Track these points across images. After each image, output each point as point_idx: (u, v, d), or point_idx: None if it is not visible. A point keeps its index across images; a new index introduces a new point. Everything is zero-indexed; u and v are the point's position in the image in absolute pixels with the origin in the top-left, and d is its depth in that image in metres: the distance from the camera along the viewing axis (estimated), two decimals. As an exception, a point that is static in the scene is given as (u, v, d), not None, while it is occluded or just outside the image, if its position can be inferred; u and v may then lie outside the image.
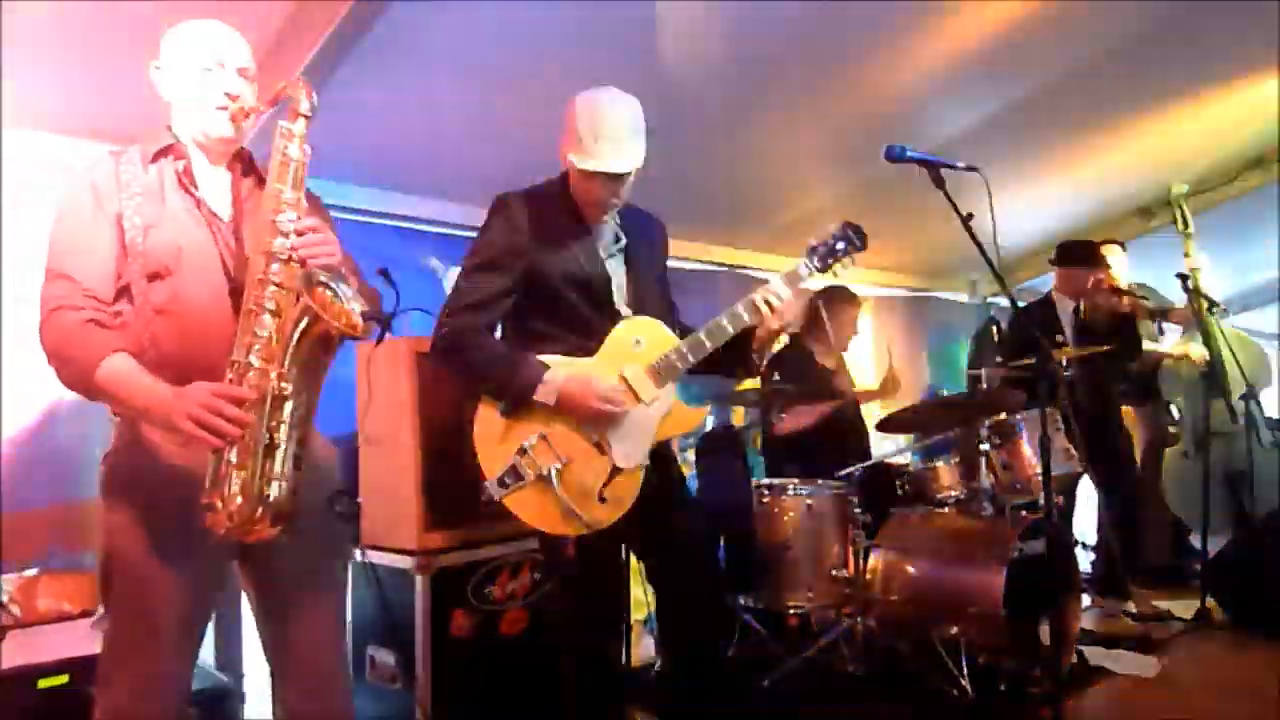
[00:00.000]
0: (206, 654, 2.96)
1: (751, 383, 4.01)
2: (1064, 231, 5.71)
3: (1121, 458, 4.62)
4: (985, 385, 3.85)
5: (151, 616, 1.69)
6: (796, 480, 3.64)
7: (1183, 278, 4.51)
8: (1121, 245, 5.01)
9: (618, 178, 2.17)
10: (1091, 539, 5.01)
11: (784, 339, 3.66)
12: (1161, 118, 4.65)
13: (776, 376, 3.79)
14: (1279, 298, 7.23)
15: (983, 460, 3.63)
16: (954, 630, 3.19)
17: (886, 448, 4.61)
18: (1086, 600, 4.24)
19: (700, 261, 4.90)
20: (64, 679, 2.35)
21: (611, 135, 2.13)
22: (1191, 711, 2.84)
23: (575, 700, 2.25)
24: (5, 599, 2.67)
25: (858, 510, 3.53)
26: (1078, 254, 4.64)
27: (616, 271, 2.29)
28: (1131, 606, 4.26)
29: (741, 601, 3.67)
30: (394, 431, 2.88)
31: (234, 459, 1.62)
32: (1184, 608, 4.18)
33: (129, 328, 1.71)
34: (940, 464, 3.74)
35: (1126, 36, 3.72)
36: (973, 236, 2.37)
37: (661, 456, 2.28)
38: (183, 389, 1.61)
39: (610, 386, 2.15)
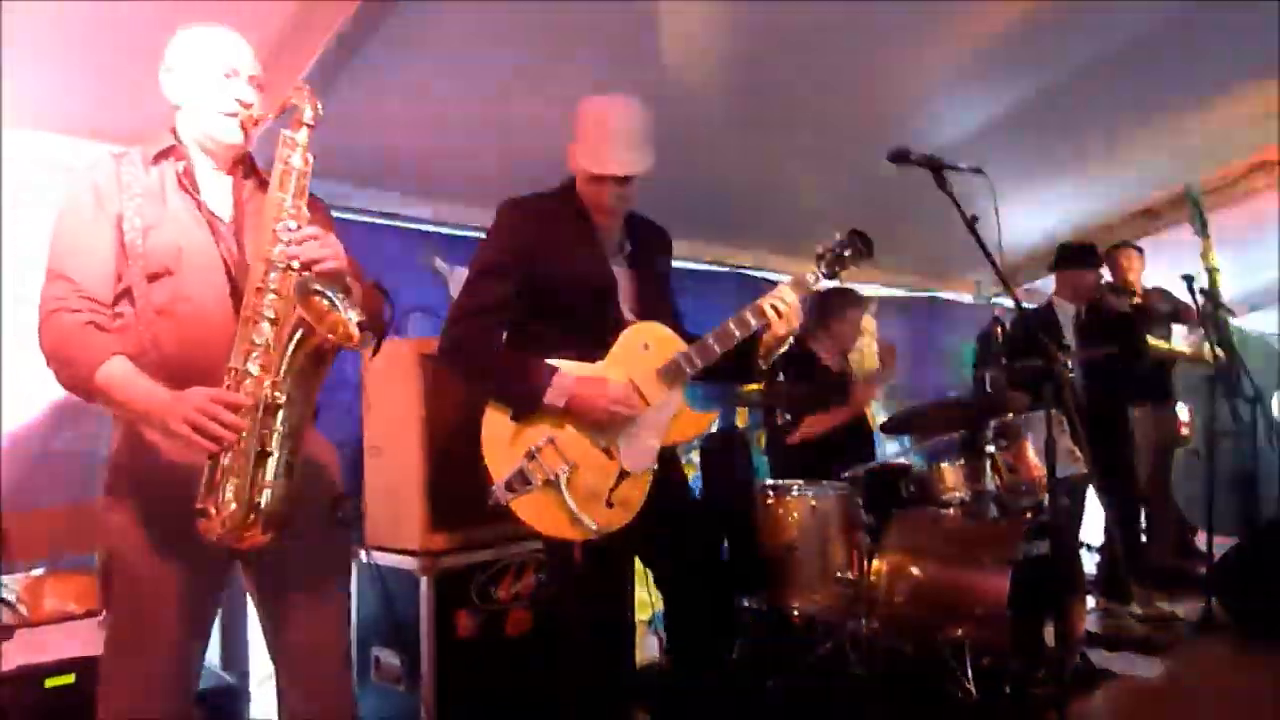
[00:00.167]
0: (211, 654, 2.96)
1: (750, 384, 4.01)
2: (1068, 233, 5.71)
3: (1126, 459, 4.61)
4: (990, 387, 3.84)
5: (151, 617, 1.70)
6: (801, 481, 3.63)
7: (1188, 279, 4.50)
8: (1139, 249, 5.01)
9: (624, 181, 2.17)
10: (1096, 541, 5.01)
11: (789, 342, 3.66)
12: (1166, 119, 4.64)
13: (781, 378, 3.79)
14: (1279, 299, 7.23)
15: (987, 462, 3.62)
16: (958, 632, 3.19)
17: (891, 449, 4.61)
18: (1091, 602, 4.24)
19: (704, 264, 4.90)
20: (70, 678, 2.37)
21: (618, 139, 2.14)
22: (1196, 715, 2.84)
23: (579, 701, 2.26)
24: (12, 599, 2.68)
25: (862, 512, 3.52)
26: (1076, 255, 4.64)
27: (623, 277, 2.30)
28: (1136, 609, 4.25)
29: (745, 603, 3.67)
30: (399, 433, 2.89)
31: (228, 464, 1.63)
32: (1189, 610, 4.17)
33: (130, 329, 1.72)
34: (945, 465, 3.73)
35: (1130, 38, 3.71)
36: (977, 238, 2.37)
37: (666, 461, 2.28)
38: (180, 393, 1.62)
39: (622, 389, 2.15)
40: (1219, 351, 4.56)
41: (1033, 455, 3.71)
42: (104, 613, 1.78)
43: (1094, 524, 4.89)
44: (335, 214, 2.05)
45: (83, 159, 2.64)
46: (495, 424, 2.15)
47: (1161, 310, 4.91)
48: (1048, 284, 6.19)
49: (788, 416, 3.91)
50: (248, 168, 1.92)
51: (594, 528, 2.11)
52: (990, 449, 3.64)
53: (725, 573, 3.02)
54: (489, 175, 3.52)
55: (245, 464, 1.63)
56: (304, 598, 1.86)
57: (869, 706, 3.25)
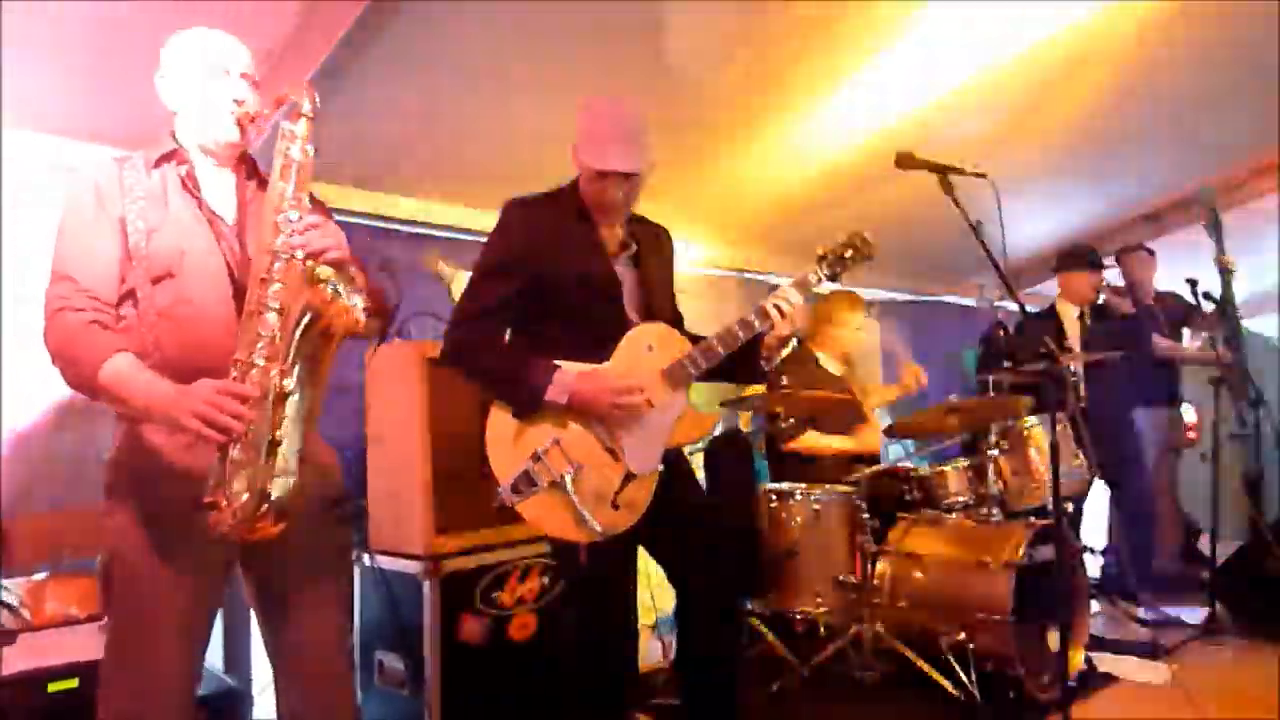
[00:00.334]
0: (214, 656, 2.96)
1: (756, 386, 4.01)
2: (1071, 236, 5.71)
3: (1132, 462, 4.60)
4: (993, 390, 3.84)
5: (151, 619, 1.70)
6: (804, 485, 3.63)
7: (1192, 283, 4.50)
8: (1150, 251, 5.01)
9: (628, 178, 2.17)
10: (1099, 544, 5.00)
11: (792, 344, 3.66)
12: (1168, 121, 4.64)
13: (784, 381, 3.79)
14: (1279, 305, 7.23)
15: (991, 465, 3.62)
16: (962, 636, 3.19)
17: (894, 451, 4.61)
18: (1095, 606, 4.23)
19: (708, 267, 4.90)
20: (73, 683, 2.36)
21: (621, 136, 2.15)
22: (1200, 718, 2.83)
23: (583, 704, 2.25)
24: (14, 603, 2.67)
25: (865, 515, 3.52)
26: (1078, 258, 4.64)
27: (626, 278, 2.30)
28: (1140, 613, 4.25)
29: (749, 607, 3.66)
30: (403, 436, 2.89)
31: (237, 456, 1.62)
32: (1193, 614, 4.16)
33: (133, 331, 1.72)
34: (949, 469, 3.73)
35: (1132, 39, 3.72)
36: (981, 242, 2.37)
37: (674, 460, 2.28)
38: (186, 387, 1.62)
39: (624, 382, 2.15)
40: (1226, 353, 4.56)
41: (1036, 459, 3.70)
42: (105, 615, 1.77)
43: (1098, 527, 4.89)
44: (337, 216, 2.05)
45: (83, 160, 2.65)
46: (500, 426, 2.14)
47: (1172, 314, 4.90)
48: (1051, 288, 6.21)
49: (791, 420, 3.91)
50: (250, 169, 1.92)
51: (600, 529, 2.10)
52: (993, 452, 3.64)
53: (734, 568, 3.01)
54: (491, 177, 3.53)
55: (255, 455, 1.62)
56: (303, 599, 1.85)
57: (872, 709, 3.25)
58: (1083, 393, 4.44)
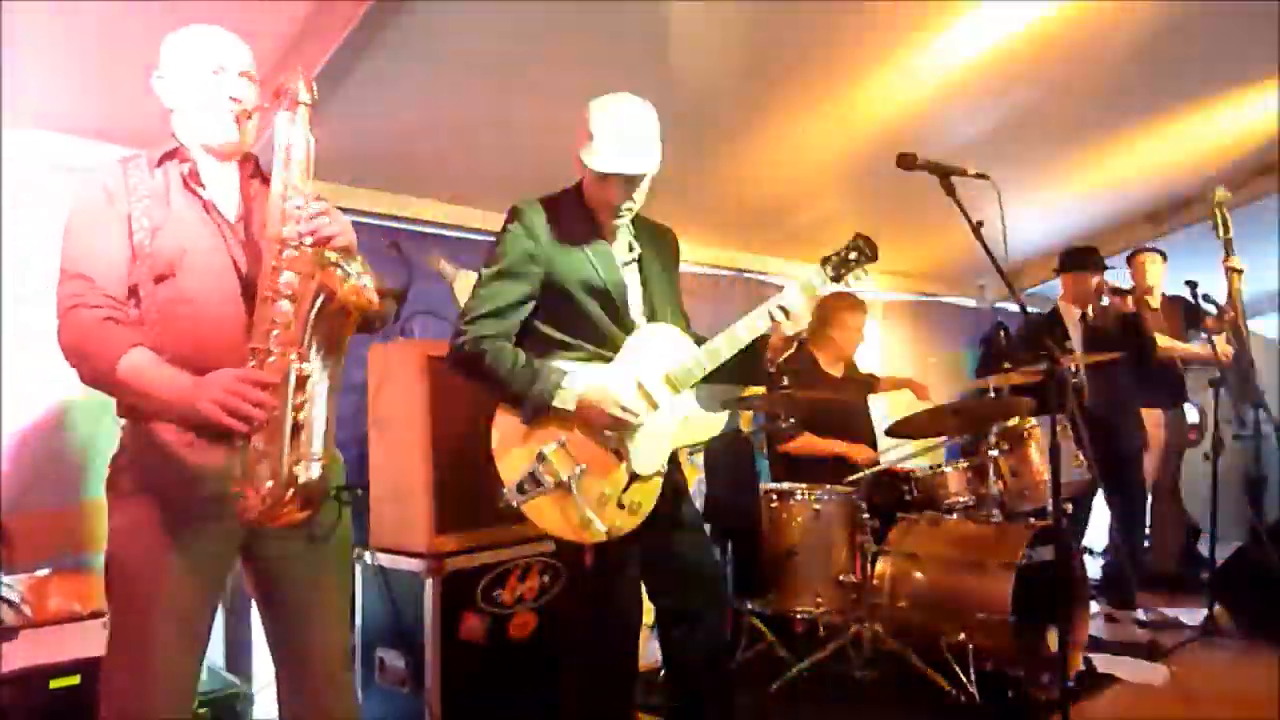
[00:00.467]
0: (216, 655, 2.97)
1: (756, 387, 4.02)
2: (1072, 237, 5.71)
3: (1134, 463, 4.61)
4: (994, 392, 3.85)
5: (154, 616, 1.70)
6: (804, 485, 3.64)
7: (1191, 284, 4.51)
8: (1162, 254, 5.02)
9: (632, 180, 2.18)
10: (1099, 545, 5.01)
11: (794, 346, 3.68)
12: (1170, 123, 4.64)
13: (785, 382, 3.79)
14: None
15: (991, 466, 3.63)
16: (961, 636, 3.20)
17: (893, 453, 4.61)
18: (1094, 607, 4.24)
19: (710, 267, 4.90)
20: (75, 679, 2.36)
21: (626, 138, 2.15)
22: (1199, 718, 2.83)
23: (585, 704, 2.26)
24: (16, 599, 2.68)
25: (865, 516, 3.53)
26: (1079, 259, 4.65)
27: (631, 280, 2.30)
28: (1139, 614, 4.25)
29: (749, 607, 3.67)
30: (404, 435, 2.89)
31: (261, 444, 1.63)
32: (1192, 615, 4.17)
33: (138, 330, 1.72)
34: (949, 470, 3.74)
35: (1133, 41, 3.72)
36: (983, 244, 2.38)
37: (671, 468, 2.29)
38: (205, 377, 1.63)
39: (628, 396, 2.15)
40: (1228, 354, 4.57)
41: (1036, 459, 3.71)
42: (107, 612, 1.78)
43: (1098, 528, 4.90)
44: (341, 215, 2.06)
45: (86, 159, 2.67)
46: (506, 426, 2.15)
47: (1179, 316, 4.91)
48: (1051, 288, 6.21)
49: (791, 420, 3.91)
50: (253, 168, 1.92)
51: (605, 530, 2.11)
52: (994, 453, 3.65)
53: (723, 584, 3.00)
54: (494, 177, 3.53)
55: (279, 441, 1.63)
56: (305, 596, 1.86)
57: (871, 709, 3.25)
58: (1085, 394, 4.45)
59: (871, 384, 4.41)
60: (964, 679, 3.14)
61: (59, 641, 2.52)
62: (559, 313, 2.22)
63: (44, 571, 2.76)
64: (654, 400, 2.20)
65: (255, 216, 1.83)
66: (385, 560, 2.92)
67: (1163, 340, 4.78)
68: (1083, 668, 3.44)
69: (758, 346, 2.29)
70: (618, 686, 2.28)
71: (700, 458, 4.15)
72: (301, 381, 1.65)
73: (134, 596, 1.71)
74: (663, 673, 3.17)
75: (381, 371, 2.98)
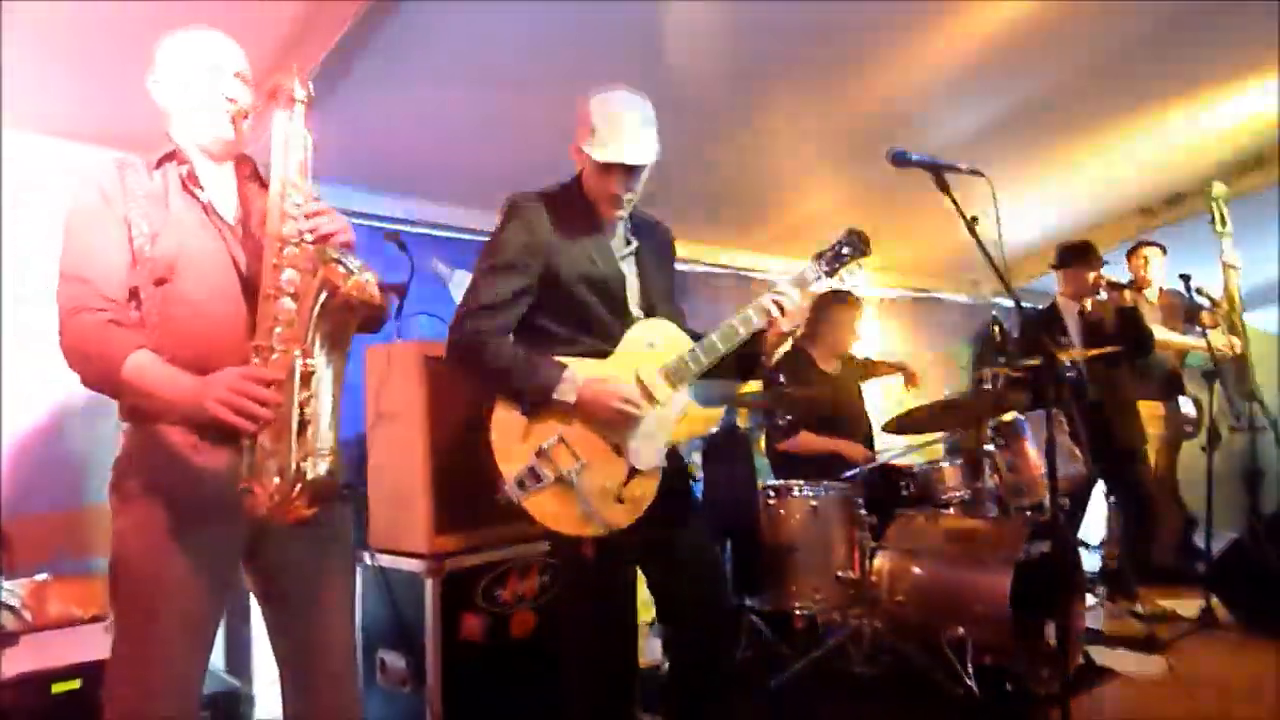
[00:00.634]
0: (216, 657, 2.97)
1: (753, 384, 4.03)
2: (1066, 231, 5.73)
3: (1134, 457, 4.62)
4: (989, 386, 3.86)
5: (160, 619, 1.70)
6: (802, 482, 3.65)
7: (1185, 278, 4.54)
8: (1162, 248, 5.04)
9: (632, 171, 2.19)
10: (1095, 539, 5.02)
11: (789, 342, 3.69)
12: (1162, 118, 4.66)
13: (781, 379, 3.81)
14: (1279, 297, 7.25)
15: (987, 461, 3.64)
16: (960, 631, 3.20)
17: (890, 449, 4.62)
18: (1092, 600, 4.26)
19: (704, 263, 4.91)
20: (76, 683, 2.36)
21: (626, 128, 2.16)
22: (1197, 711, 2.85)
23: (585, 701, 2.26)
24: (16, 604, 2.68)
25: (863, 512, 3.54)
26: (1076, 255, 4.66)
27: (629, 273, 2.31)
28: (1137, 606, 4.27)
29: (748, 603, 3.68)
30: (403, 435, 2.89)
31: (268, 442, 1.64)
32: (1189, 607, 4.19)
33: (139, 332, 1.73)
34: (945, 465, 3.75)
35: (1127, 37, 3.73)
36: (977, 240, 2.38)
37: (671, 464, 2.29)
38: (210, 376, 1.63)
39: (629, 388, 2.16)
40: (1232, 347, 4.59)
41: (1033, 454, 3.72)
42: (110, 616, 1.78)
43: (1094, 522, 4.91)
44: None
45: (83, 162, 2.66)
46: (505, 422, 2.14)
47: (1176, 310, 4.93)
48: (1045, 283, 6.22)
49: (788, 418, 3.92)
50: (250, 169, 1.93)
51: (605, 524, 2.11)
52: (990, 448, 3.66)
53: (722, 579, 3.02)
54: (489, 178, 3.52)
55: (286, 437, 1.64)
56: (308, 597, 1.86)
57: (871, 705, 3.26)
58: (1087, 389, 4.48)
59: (866, 370, 4.42)
60: (963, 674, 3.15)
61: (60, 646, 2.52)
62: (557, 306, 2.22)
63: (44, 576, 2.76)
64: (653, 395, 2.21)
65: (254, 217, 1.84)
66: (385, 561, 2.92)
67: (1161, 334, 4.80)
68: (1081, 661, 3.45)
69: (754, 342, 2.30)
70: (617, 682, 2.29)
71: (699, 456, 4.16)
72: (306, 377, 1.65)
73: (140, 599, 1.71)
74: (663, 669, 3.19)
75: (380, 372, 2.98)
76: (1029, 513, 3.65)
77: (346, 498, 1.91)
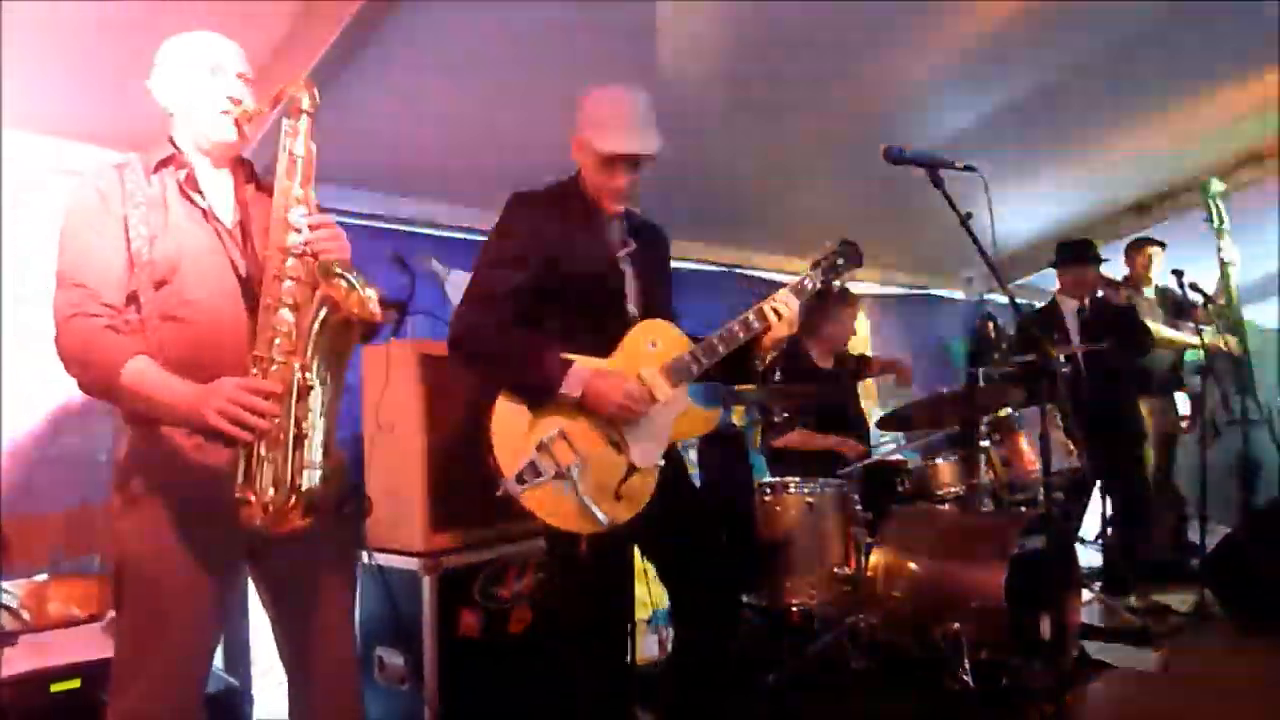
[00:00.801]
0: (214, 655, 2.97)
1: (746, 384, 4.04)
2: (1060, 228, 5.75)
3: (1132, 454, 4.64)
4: (984, 382, 3.88)
5: (166, 619, 1.71)
6: (798, 478, 3.66)
7: (1178, 273, 4.56)
8: (1161, 244, 5.06)
9: (636, 165, 2.20)
10: (1091, 534, 5.04)
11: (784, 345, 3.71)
12: (1156, 114, 4.68)
13: (777, 376, 3.82)
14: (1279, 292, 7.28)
15: (982, 457, 3.65)
16: (956, 626, 3.21)
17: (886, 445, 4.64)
18: (1087, 595, 4.28)
19: (699, 261, 4.92)
20: (75, 683, 2.36)
21: (629, 120, 2.19)
22: (1191, 705, 2.87)
23: (581, 698, 2.28)
24: (14, 605, 2.68)
25: (859, 508, 3.55)
26: (1076, 252, 4.69)
27: (627, 273, 2.32)
28: (1132, 601, 4.29)
29: (744, 600, 3.69)
30: (400, 434, 2.90)
31: (264, 452, 1.64)
32: (1183, 602, 4.21)
33: (136, 336, 1.73)
34: (940, 461, 3.76)
35: (1121, 34, 3.75)
36: (972, 236, 2.40)
37: (671, 457, 2.31)
38: (209, 385, 1.63)
39: (634, 385, 2.17)
40: (1225, 342, 4.62)
41: (1027, 450, 3.74)
42: (110, 616, 1.79)
43: (1090, 517, 4.93)
44: (333, 217, 2.06)
45: (83, 163, 2.66)
46: (505, 416, 2.14)
47: (1169, 306, 4.95)
48: (1039, 280, 6.25)
49: (785, 415, 3.93)
50: (249, 173, 1.93)
51: (604, 520, 2.12)
52: (985, 444, 3.67)
53: (729, 565, 3.03)
54: (486, 177, 3.53)
55: (283, 449, 1.64)
56: (313, 596, 1.87)
57: (867, 700, 3.28)
58: (1084, 385, 4.50)
59: (862, 367, 4.44)
60: (959, 667, 3.17)
61: (58, 646, 2.52)
62: (557, 301, 2.22)
63: (42, 576, 2.76)
64: (654, 393, 2.22)
65: (254, 222, 1.84)
66: (382, 559, 2.93)
67: (1159, 330, 4.82)
68: (1076, 655, 3.47)
69: (750, 345, 2.32)
70: (613, 678, 2.30)
71: (694, 453, 4.17)
72: (304, 390, 1.66)
73: (144, 599, 1.72)
74: (661, 662, 3.20)
75: (376, 372, 2.99)
76: (1024, 508, 3.67)
77: (368, 510, 1.92)
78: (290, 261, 1.71)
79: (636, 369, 2.22)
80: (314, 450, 1.68)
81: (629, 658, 2.55)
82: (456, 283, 3.61)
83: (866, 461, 3.79)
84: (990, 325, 5.87)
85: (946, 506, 3.67)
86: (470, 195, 3.75)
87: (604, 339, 2.23)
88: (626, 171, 2.20)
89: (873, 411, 4.75)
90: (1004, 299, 2.52)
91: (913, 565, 3.43)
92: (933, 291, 6.52)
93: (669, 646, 2.90)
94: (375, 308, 1.68)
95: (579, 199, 2.28)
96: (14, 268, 2.73)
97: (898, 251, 5.63)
